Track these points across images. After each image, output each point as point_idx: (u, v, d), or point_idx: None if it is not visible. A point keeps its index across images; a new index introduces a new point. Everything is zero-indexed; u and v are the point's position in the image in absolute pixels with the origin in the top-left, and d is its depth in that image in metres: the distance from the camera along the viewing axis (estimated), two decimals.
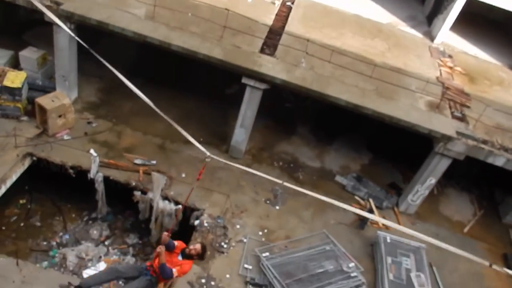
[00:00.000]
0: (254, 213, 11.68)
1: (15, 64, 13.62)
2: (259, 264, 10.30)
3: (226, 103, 14.53)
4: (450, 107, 12.34)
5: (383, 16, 16.40)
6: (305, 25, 14.07)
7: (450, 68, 14.34)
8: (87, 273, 10.74)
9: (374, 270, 10.96)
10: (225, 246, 10.62)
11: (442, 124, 11.55)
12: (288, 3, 15.08)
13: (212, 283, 9.80)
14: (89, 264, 11.08)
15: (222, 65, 11.50)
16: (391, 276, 10.45)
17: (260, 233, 11.23)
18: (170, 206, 11.19)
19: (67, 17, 11.53)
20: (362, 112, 11.57)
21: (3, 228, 11.71)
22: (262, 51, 12.12)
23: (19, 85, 12.08)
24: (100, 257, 11.37)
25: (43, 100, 11.92)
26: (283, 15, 14.24)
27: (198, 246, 7.28)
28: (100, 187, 11.60)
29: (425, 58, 14.63)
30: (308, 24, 14.24)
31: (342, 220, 12.16)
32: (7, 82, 11.99)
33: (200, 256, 7.37)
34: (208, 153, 6.12)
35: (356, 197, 12.94)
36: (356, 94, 11.64)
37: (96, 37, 13.82)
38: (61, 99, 12.13)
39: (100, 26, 11.63)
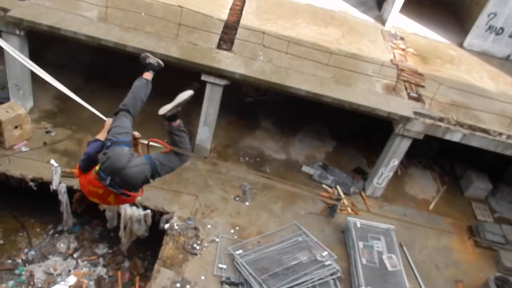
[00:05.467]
0: (224, 212, 11.61)
1: None
2: (234, 263, 10.26)
3: (188, 102, 14.32)
4: (406, 88, 12.61)
5: (335, 4, 16.53)
6: (259, 18, 14.03)
7: (403, 50, 14.64)
8: None
9: (347, 256, 11.13)
10: (197, 247, 10.51)
11: (399, 105, 11.79)
12: None
13: (188, 286, 9.69)
14: (58, 279, 10.81)
15: (180, 63, 11.32)
16: (364, 261, 10.63)
17: (232, 231, 11.18)
18: (138, 212, 10.96)
19: (15, 24, 11.08)
20: (322, 101, 11.68)
21: None
22: (219, 46, 12.00)
23: None
24: (69, 271, 11.09)
25: None
26: (237, 9, 14.13)
27: None
28: (63, 198, 11.24)
29: (378, 42, 14.86)
30: (263, 16, 14.20)
31: (312, 210, 12.26)
32: None
33: None
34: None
35: (324, 185, 13.07)
36: (315, 83, 11.71)
37: (49, 43, 13.44)
38: (16, 109, 11.70)
39: (51, 31, 11.23)
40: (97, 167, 4.72)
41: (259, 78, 11.44)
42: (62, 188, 11.10)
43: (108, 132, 4.87)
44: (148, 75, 5.28)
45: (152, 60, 5.34)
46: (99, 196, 4.84)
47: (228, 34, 12.57)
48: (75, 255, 11.57)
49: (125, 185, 4.67)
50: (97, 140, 4.95)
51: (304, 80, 11.69)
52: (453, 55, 15.43)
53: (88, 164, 4.85)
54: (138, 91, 5.18)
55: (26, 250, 11.49)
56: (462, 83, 13.35)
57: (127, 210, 10.96)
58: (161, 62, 5.37)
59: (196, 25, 12.13)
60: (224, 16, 13.47)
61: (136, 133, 5.12)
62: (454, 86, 12.55)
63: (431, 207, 13.51)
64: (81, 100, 5.51)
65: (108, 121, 5.07)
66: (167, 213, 11.17)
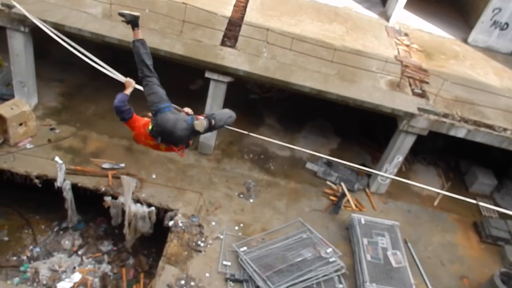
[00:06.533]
0: (228, 209, 11.62)
1: None
2: (238, 260, 10.26)
3: (191, 99, 14.31)
4: (410, 85, 12.56)
5: (339, 0, 16.47)
6: (263, 15, 14.00)
7: (407, 46, 14.58)
8: (61, 286, 10.50)
9: (352, 253, 11.12)
10: (202, 244, 10.51)
11: (404, 102, 11.74)
12: None
13: (192, 283, 9.71)
14: (63, 276, 10.85)
15: (184, 60, 11.32)
16: (368, 257, 10.62)
17: (236, 228, 11.18)
18: (142, 209, 10.98)
19: (20, 21, 11.11)
20: (327, 97, 11.64)
21: None
22: (223, 43, 11.98)
23: None
24: (74, 267, 11.13)
25: (2, 109, 11.53)
26: (241, 5, 14.10)
27: None
28: (68, 195, 11.27)
29: (383, 38, 14.81)
30: (267, 13, 14.18)
31: (316, 207, 12.26)
32: None
33: None
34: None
35: (328, 182, 13.06)
36: (319, 80, 11.68)
37: (53, 39, 13.46)
38: (20, 106, 11.72)
39: (56, 28, 11.21)
40: (150, 127, 5.56)
41: (263, 75, 11.41)
42: (67, 185, 11.13)
43: (148, 102, 5.59)
44: (136, 34, 5.90)
45: (128, 17, 5.95)
46: (152, 146, 5.86)
47: (232, 31, 12.54)
48: (79, 252, 11.61)
49: (173, 142, 5.70)
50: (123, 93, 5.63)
51: (308, 77, 11.66)
52: (458, 50, 15.38)
53: (124, 113, 5.60)
54: (139, 53, 5.83)
55: (31, 247, 11.53)
56: (466, 79, 13.30)
57: (132, 207, 10.98)
58: (134, 13, 5.92)
59: (200, 22, 12.12)
60: (228, 13, 13.44)
61: (188, 110, 5.81)
62: (458, 82, 12.50)
63: (435, 203, 13.47)
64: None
65: (128, 80, 5.79)
66: (172, 210, 11.19)
